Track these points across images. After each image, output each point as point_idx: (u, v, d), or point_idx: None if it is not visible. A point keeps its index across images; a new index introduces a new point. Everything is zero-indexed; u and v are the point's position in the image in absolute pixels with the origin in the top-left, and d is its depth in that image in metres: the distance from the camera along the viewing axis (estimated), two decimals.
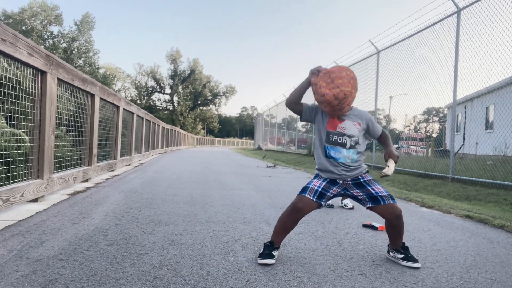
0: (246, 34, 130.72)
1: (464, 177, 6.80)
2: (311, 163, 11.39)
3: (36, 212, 3.01)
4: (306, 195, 2.11)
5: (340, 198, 4.02)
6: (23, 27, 42.38)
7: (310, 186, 2.15)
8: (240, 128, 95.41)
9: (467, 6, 6.97)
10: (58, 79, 3.84)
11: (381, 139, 2.30)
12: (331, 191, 2.16)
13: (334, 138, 2.14)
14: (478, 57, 6.81)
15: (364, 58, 11.37)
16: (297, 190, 5.66)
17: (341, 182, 2.16)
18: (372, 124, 2.23)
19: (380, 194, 2.12)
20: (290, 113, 22.41)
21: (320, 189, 2.13)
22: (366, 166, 2.25)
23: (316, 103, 2.17)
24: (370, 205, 2.15)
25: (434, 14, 7.95)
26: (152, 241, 2.34)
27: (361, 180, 2.17)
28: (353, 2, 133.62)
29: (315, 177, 2.23)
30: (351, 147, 2.14)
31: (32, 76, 3.34)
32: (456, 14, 7.22)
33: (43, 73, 3.48)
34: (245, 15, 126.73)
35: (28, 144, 3.52)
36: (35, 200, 3.43)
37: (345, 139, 2.14)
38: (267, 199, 4.34)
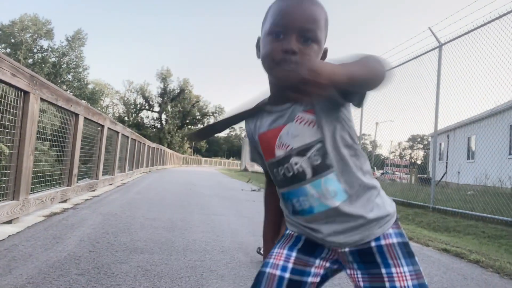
0: (235, 55, 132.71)
1: (445, 208, 6.90)
2: None
3: (9, 235, 2.93)
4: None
5: None
6: (12, 40, 42.28)
7: (267, 270, 0.94)
8: (227, 148, 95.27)
9: (448, 42, 7.26)
10: (42, 99, 3.82)
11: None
12: (313, 270, 0.96)
13: (280, 172, 0.97)
14: (459, 89, 7.08)
15: None
16: None
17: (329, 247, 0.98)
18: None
19: None
20: None
21: (287, 275, 0.93)
22: (393, 204, 1.01)
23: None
24: None
25: (419, 47, 8.25)
26: (125, 271, 2.29)
27: (374, 244, 0.94)
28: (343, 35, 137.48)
29: (280, 240, 1.04)
30: (316, 171, 0.93)
31: (14, 96, 3.32)
32: (438, 49, 7.50)
33: (26, 93, 3.46)
34: (234, 36, 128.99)
35: (5, 164, 3.45)
36: (9, 222, 3.34)
37: (296, 164, 0.94)
38: (248, 226, 4.31)
